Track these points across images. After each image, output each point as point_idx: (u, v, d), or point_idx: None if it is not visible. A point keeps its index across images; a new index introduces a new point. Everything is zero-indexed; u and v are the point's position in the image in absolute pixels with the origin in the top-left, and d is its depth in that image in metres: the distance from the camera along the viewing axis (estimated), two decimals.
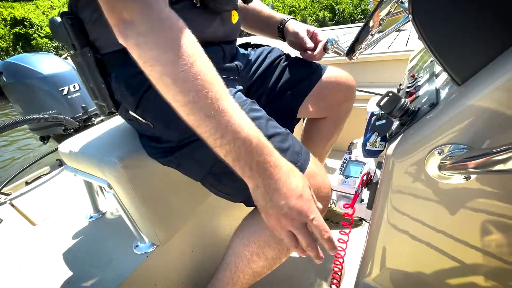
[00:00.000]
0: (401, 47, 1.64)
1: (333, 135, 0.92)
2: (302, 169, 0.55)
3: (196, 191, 0.76)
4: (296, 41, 0.79)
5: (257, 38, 1.00)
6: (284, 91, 0.79)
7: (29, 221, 1.00)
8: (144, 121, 0.57)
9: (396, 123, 0.39)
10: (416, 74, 0.50)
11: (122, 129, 0.71)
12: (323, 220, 0.43)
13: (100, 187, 0.88)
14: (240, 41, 0.85)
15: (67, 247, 0.79)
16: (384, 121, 0.37)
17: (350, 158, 0.63)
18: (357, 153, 0.64)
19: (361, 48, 0.52)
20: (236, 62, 0.70)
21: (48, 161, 1.67)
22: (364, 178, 0.48)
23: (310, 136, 0.94)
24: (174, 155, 0.57)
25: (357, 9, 17.09)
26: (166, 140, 0.58)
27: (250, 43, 0.86)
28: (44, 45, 13.01)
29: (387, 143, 0.38)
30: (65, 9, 0.58)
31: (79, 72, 0.62)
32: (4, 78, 1.51)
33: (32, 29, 13.37)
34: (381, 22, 0.45)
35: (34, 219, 1.00)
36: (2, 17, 13.34)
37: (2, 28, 13.05)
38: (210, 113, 0.38)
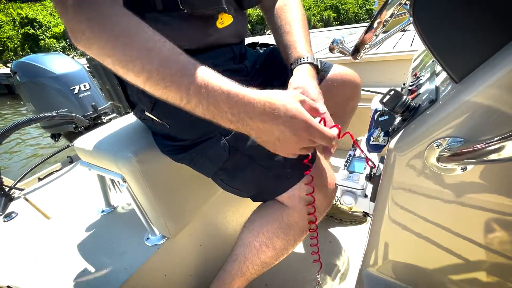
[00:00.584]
0: (406, 47, 1.65)
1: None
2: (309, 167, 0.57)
3: (206, 186, 0.79)
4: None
5: (265, 38, 1.02)
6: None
7: (43, 215, 1.04)
8: (159, 121, 0.60)
9: (398, 119, 0.41)
10: (419, 73, 0.52)
11: (135, 126, 0.74)
12: (320, 126, 0.43)
13: (112, 182, 0.91)
14: (247, 40, 0.87)
15: (80, 239, 0.83)
16: (387, 117, 0.39)
17: (354, 155, 0.65)
18: (359, 150, 0.66)
19: (365, 48, 0.54)
20: (245, 63, 0.73)
21: (59, 158, 1.72)
22: (369, 164, 0.50)
23: None
24: (187, 153, 0.60)
25: (362, 9, 16.99)
26: (180, 139, 0.61)
27: (258, 42, 0.88)
28: (51, 45, 13.21)
29: (389, 138, 0.40)
30: None
31: (95, 74, 0.65)
32: (18, 78, 1.56)
33: (40, 30, 13.60)
34: (384, 23, 0.47)
35: (48, 212, 1.04)
36: (12, 18, 13.58)
37: (11, 29, 13.29)
38: (167, 84, 0.39)
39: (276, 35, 0.68)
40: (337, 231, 1.09)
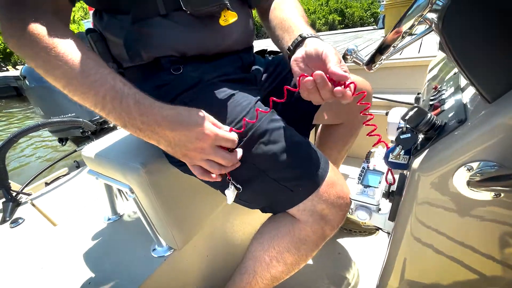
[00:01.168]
0: (413, 53, 1.62)
1: (349, 141, 0.92)
2: (321, 178, 0.55)
3: (213, 195, 0.78)
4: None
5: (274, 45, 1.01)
6: (300, 98, 0.80)
7: (50, 221, 1.04)
8: None
9: (421, 137, 0.39)
10: (439, 86, 0.50)
11: None
12: (222, 152, 0.48)
13: (119, 190, 0.90)
14: (256, 48, 0.86)
15: (86, 248, 0.82)
16: (409, 135, 0.37)
17: (368, 167, 0.63)
18: (375, 162, 0.64)
19: (381, 59, 0.53)
20: (254, 71, 0.72)
21: (66, 162, 1.73)
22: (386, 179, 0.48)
23: (325, 142, 0.95)
24: None
25: (367, 12, 16.94)
26: None
27: (266, 50, 0.87)
28: None
29: (411, 156, 0.39)
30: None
31: None
32: (27, 82, 1.57)
33: None
34: (404, 35, 0.45)
35: (55, 219, 1.04)
36: None
37: None
38: (81, 94, 0.42)
39: (274, 35, 0.64)
40: (347, 242, 1.06)
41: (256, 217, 1.04)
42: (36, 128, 1.19)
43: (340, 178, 0.59)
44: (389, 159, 0.41)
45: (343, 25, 15.72)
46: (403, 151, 0.40)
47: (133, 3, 0.53)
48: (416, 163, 0.35)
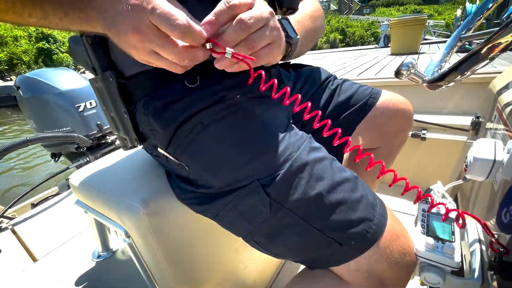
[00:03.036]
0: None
1: (385, 167, 0.79)
2: (380, 227, 0.42)
3: (224, 237, 0.64)
4: None
5: (298, 59, 0.90)
6: (333, 118, 0.67)
7: (30, 255, 0.88)
8: (176, 161, 0.46)
9: None
10: None
11: (144, 161, 0.60)
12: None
13: None
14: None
15: None
16: None
17: (430, 210, 0.50)
18: (435, 202, 0.51)
19: (457, 79, 0.41)
20: (282, 86, 0.60)
21: (57, 180, 1.59)
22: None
23: (357, 168, 0.81)
24: (212, 205, 0.45)
25: (367, 32, 17.39)
26: (203, 185, 0.46)
27: (289, 63, 0.76)
28: (64, 59, 13.59)
29: None
30: None
31: (99, 100, 0.51)
32: (21, 93, 1.46)
33: (55, 45, 14.06)
34: (500, 53, 0.33)
35: (36, 253, 0.89)
36: (29, 33, 14.12)
37: (27, 43, 13.76)
38: None
39: None
40: None
41: (272, 261, 0.89)
42: (23, 144, 1.06)
43: (402, 227, 0.45)
44: (504, 220, 0.28)
45: (344, 44, 16.07)
46: None
47: None
48: None
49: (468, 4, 3.59)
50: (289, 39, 0.45)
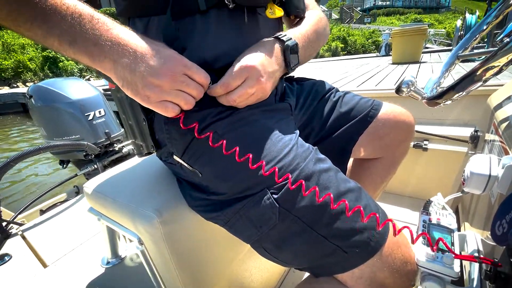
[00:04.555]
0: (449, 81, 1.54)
1: (387, 178, 0.81)
2: (383, 236, 0.44)
3: (232, 244, 0.66)
4: None
5: (301, 72, 0.94)
6: (335, 129, 0.70)
7: (40, 261, 0.91)
8: (190, 168, 0.49)
9: None
10: None
11: (157, 170, 0.63)
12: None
13: None
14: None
15: None
16: None
17: (430, 221, 0.52)
18: (436, 214, 0.53)
19: (455, 97, 0.44)
20: (288, 100, 0.63)
21: (65, 186, 1.62)
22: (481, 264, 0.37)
23: (358, 179, 0.84)
24: (223, 211, 0.48)
25: (369, 40, 17.54)
26: (213, 192, 0.49)
27: (293, 76, 0.79)
28: (69, 67, 13.82)
29: None
30: None
31: (118, 108, 0.55)
32: (33, 101, 1.51)
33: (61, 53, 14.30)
34: (502, 69, 0.36)
35: (46, 259, 0.91)
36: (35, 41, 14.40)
37: (34, 51, 14.04)
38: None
39: None
40: None
41: (278, 267, 0.90)
42: (35, 153, 1.10)
43: (403, 236, 0.47)
44: (498, 233, 0.30)
45: (345, 52, 16.20)
46: None
47: None
48: None
49: (468, 15, 3.65)
50: (288, 68, 0.51)
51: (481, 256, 0.38)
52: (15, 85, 12.81)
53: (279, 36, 0.51)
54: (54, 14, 0.34)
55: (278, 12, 0.51)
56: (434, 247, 0.33)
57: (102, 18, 0.37)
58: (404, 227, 0.36)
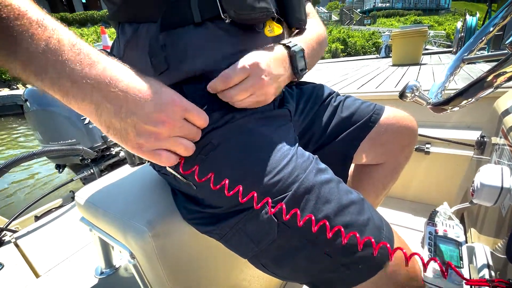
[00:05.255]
0: (453, 84, 1.51)
1: (389, 184, 0.79)
2: (387, 253, 0.41)
3: (230, 255, 0.63)
4: None
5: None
6: (336, 135, 0.68)
7: (33, 270, 0.88)
8: (184, 180, 0.46)
9: None
10: None
11: (151, 179, 0.60)
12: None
13: None
14: None
15: None
16: None
17: (436, 232, 0.49)
18: (442, 225, 0.50)
19: (463, 103, 0.41)
20: (287, 106, 0.60)
21: (61, 191, 1.59)
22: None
23: (360, 185, 0.81)
24: (218, 226, 0.45)
25: (368, 42, 17.57)
26: (209, 205, 0.46)
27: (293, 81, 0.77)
28: None
29: None
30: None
31: None
32: (28, 105, 1.48)
33: None
34: (507, 81, 0.34)
35: (38, 268, 0.88)
36: None
37: None
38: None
39: None
40: None
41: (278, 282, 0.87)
42: (29, 158, 1.07)
43: (409, 250, 0.44)
44: None
45: (345, 53, 16.22)
46: None
47: (162, 7, 0.43)
48: None
49: (468, 17, 3.64)
50: (296, 74, 0.48)
51: (493, 276, 0.36)
52: (15, 87, 12.81)
53: (286, 43, 0.48)
54: (21, 34, 0.27)
55: (277, 30, 0.48)
56: (446, 274, 0.31)
57: (85, 48, 0.30)
58: (414, 254, 0.34)
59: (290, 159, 0.44)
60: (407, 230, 1.14)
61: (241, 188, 0.40)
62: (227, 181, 0.40)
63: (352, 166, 0.86)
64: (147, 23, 0.44)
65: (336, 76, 3.19)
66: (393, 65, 4.15)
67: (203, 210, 0.47)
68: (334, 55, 15.37)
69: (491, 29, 0.57)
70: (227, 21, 0.44)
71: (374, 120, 0.67)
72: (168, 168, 0.48)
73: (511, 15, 0.52)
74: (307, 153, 0.48)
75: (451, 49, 5.84)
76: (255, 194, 0.40)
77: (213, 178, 0.41)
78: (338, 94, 0.74)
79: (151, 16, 0.44)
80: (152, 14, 0.43)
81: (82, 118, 1.47)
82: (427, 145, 1.20)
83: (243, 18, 0.44)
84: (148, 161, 0.52)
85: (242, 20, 0.44)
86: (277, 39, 0.53)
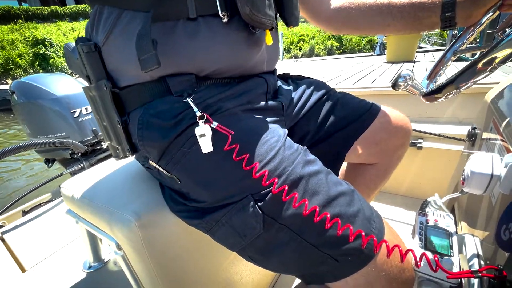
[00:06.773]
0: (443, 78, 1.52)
1: (381, 183, 0.78)
2: (377, 242, 0.41)
3: (220, 247, 0.62)
4: None
5: (297, 70, 0.90)
6: (331, 132, 0.67)
7: (19, 265, 0.86)
8: (168, 174, 0.45)
9: None
10: None
11: (138, 170, 0.59)
12: None
13: None
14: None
15: None
16: None
17: (427, 222, 0.49)
18: (433, 215, 0.50)
19: (453, 92, 0.41)
20: (280, 99, 0.59)
21: (50, 185, 1.56)
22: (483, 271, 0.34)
23: (353, 183, 0.81)
24: (204, 219, 0.44)
25: (364, 39, 17.62)
26: (195, 199, 0.45)
27: (289, 74, 0.76)
28: (59, 64, 13.54)
29: None
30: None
31: (92, 109, 0.50)
32: (16, 98, 1.44)
33: (52, 49, 14.02)
34: (497, 66, 0.34)
35: (25, 263, 0.86)
36: (25, 37, 14.08)
37: (24, 47, 13.70)
38: None
39: (379, 17, 0.60)
40: None
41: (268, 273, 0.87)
42: (16, 151, 1.04)
43: (400, 241, 0.44)
44: (504, 238, 0.27)
45: (340, 51, 16.24)
46: None
47: None
48: None
49: None
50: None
51: (482, 265, 0.35)
52: (4, 82, 12.50)
53: None
54: None
55: (269, 40, 0.48)
56: (437, 268, 0.30)
57: None
58: (408, 250, 0.34)
59: (277, 151, 0.43)
60: (399, 224, 1.15)
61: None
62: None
63: (345, 164, 0.86)
64: (131, 11, 0.42)
65: (331, 72, 3.19)
66: (388, 62, 4.17)
67: (189, 204, 0.46)
68: (330, 52, 15.39)
69: (483, 21, 0.56)
70: (224, 20, 0.42)
71: (369, 120, 0.67)
72: (151, 162, 0.47)
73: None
74: (296, 144, 0.47)
75: (444, 47, 5.90)
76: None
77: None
78: (335, 91, 0.72)
79: (141, 4, 0.41)
80: (141, 2, 0.41)
81: (72, 111, 1.44)
82: (420, 140, 1.21)
83: (255, 19, 0.43)
84: (133, 155, 0.51)
85: (251, 21, 0.43)
86: (269, 48, 0.54)
